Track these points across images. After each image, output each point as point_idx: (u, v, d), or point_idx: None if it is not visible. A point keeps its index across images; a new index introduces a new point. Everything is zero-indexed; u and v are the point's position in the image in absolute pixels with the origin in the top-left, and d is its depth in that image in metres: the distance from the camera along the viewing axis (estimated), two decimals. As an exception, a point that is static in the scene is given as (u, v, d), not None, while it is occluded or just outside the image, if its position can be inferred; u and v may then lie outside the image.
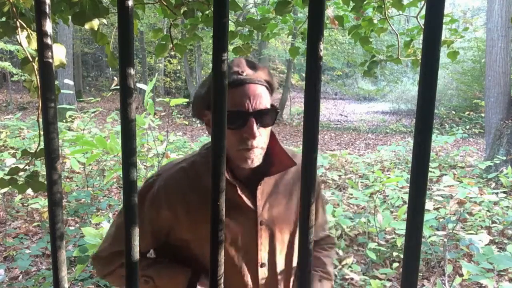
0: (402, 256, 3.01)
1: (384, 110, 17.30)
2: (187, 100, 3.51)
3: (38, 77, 1.18)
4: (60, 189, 0.47)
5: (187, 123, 6.67)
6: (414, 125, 0.38)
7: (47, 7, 0.46)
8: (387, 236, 3.57)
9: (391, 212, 3.95)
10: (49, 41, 0.47)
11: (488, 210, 3.77)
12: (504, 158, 5.78)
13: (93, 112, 5.23)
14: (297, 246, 1.04)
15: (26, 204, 4.33)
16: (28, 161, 1.23)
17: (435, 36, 0.37)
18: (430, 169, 4.82)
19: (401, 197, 3.98)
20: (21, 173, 1.24)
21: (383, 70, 15.89)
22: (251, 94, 0.94)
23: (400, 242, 3.18)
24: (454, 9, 18.47)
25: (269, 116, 0.97)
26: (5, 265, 3.20)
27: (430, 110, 0.38)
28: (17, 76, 11.55)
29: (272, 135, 1.06)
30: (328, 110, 18.28)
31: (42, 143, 0.71)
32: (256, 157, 0.98)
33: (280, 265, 1.09)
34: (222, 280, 0.44)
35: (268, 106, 0.98)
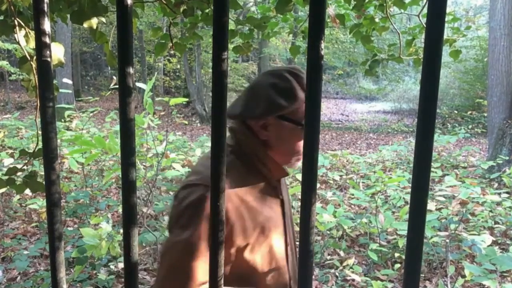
0: (403, 257, 2.99)
1: (386, 110, 17.30)
2: (186, 99, 3.49)
3: (36, 76, 1.20)
4: (58, 189, 0.48)
5: (186, 122, 6.67)
6: (416, 125, 0.38)
7: (45, 5, 0.47)
8: (388, 236, 3.57)
9: (393, 212, 3.95)
10: (47, 39, 0.47)
11: (490, 211, 3.76)
12: (507, 158, 5.76)
13: (91, 112, 5.22)
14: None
15: (24, 205, 4.32)
16: (26, 161, 1.25)
17: (437, 35, 0.37)
18: (432, 169, 4.80)
19: (403, 198, 3.98)
20: (19, 173, 1.24)
21: (385, 69, 15.86)
22: None
23: (402, 243, 3.18)
24: (456, 8, 18.42)
25: None
26: (3, 266, 3.18)
27: (432, 110, 0.38)
28: (15, 75, 11.56)
29: None
30: (329, 109, 18.28)
31: (40, 143, 0.70)
32: None
33: (292, 244, 1.20)
34: (222, 281, 0.45)
35: None
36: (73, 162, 3.66)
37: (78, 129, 5.05)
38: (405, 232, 3.17)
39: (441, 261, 3.20)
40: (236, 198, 0.99)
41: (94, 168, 4.95)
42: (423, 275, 3.17)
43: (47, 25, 0.47)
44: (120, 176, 0.52)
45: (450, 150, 7.66)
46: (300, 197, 1.07)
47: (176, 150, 5.23)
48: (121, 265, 3.09)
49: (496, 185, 5.39)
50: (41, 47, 0.46)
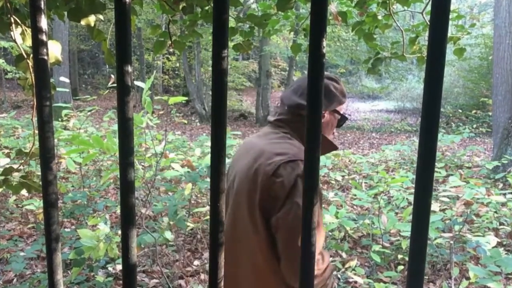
0: (407, 258, 2.95)
1: (389, 109, 17.28)
2: (186, 98, 3.46)
3: (33, 74, 1.19)
4: (55, 190, 0.48)
5: (186, 122, 6.65)
6: (420, 124, 0.38)
7: (42, 2, 0.47)
8: (391, 238, 3.57)
9: (396, 213, 3.93)
10: (44, 37, 0.47)
11: (495, 212, 3.73)
12: (512, 157, 5.70)
13: (89, 111, 5.20)
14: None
15: (20, 205, 4.30)
16: (22, 161, 1.25)
17: (441, 33, 0.37)
18: (436, 169, 4.76)
19: (406, 198, 3.95)
20: (15, 174, 1.25)
21: (388, 67, 15.82)
22: None
23: (405, 244, 3.16)
24: (460, 5, 18.35)
25: None
26: (-1, 268, 3.15)
27: (436, 109, 0.38)
28: (11, 73, 11.55)
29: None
30: (331, 108, 18.23)
31: (37, 143, 0.70)
32: None
33: None
34: (222, 283, 0.45)
35: None
36: (71, 162, 3.63)
37: (75, 128, 5.04)
38: (408, 234, 3.15)
39: (445, 263, 3.19)
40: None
41: (91, 168, 4.92)
42: (427, 277, 3.14)
43: (44, 23, 0.47)
44: (118, 176, 0.50)
45: (454, 150, 7.64)
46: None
47: (175, 149, 5.20)
48: (119, 267, 3.07)
49: (501, 185, 5.36)
50: (38, 45, 0.46)
